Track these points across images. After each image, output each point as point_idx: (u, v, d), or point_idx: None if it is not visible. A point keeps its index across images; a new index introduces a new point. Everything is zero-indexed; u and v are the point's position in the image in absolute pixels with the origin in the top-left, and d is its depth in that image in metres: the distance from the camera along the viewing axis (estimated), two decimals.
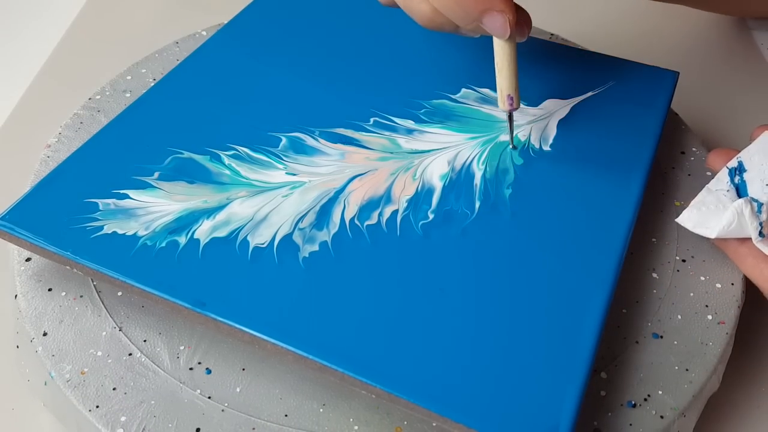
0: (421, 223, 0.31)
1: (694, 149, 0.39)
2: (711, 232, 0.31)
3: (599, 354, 0.29)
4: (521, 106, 0.37)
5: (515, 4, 0.31)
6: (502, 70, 0.32)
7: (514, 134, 0.35)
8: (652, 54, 0.45)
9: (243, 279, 0.29)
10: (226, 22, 0.42)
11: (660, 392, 0.28)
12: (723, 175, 0.32)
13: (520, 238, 0.31)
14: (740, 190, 0.32)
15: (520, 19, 0.33)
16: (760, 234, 0.30)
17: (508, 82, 0.33)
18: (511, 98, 0.33)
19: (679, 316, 0.31)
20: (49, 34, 0.53)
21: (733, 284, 0.32)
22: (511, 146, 0.35)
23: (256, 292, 0.28)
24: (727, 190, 0.32)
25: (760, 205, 0.30)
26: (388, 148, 0.35)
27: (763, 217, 0.30)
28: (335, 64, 0.39)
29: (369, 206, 0.32)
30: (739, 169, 0.32)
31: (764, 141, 0.32)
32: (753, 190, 0.31)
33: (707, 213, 0.31)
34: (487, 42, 0.42)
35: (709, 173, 0.37)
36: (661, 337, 0.30)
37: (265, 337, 0.27)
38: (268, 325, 0.27)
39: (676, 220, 0.32)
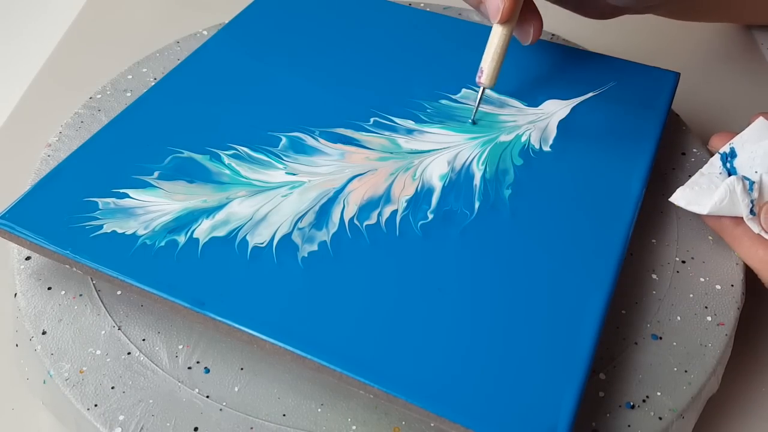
0: (420, 223, 0.31)
1: (694, 150, 0.39)
2: (703, 208, 0.32)
3: (598, 355, 0.29)
4: (522, 106, 0.37)
5: (536, 10, 0.36)
6: (488, 46, 0.35)
7: (476, 110, 0.36)
8: (653, 54, 0.45)
9: (242, 278, 0.29)
10: (226, 21, 0.42)
11: (659, 393, 0.28)
12: (716, 160, 0.33)
13: (520, 239, 0.31)
14: (731, 175, 0.32)
15: (528, 20, 0.36)
16: (751, 212, 0.31)
17: (484, 56, 0.35)
18: (481, 70, 0.35)
19: (679, 318, 0.31)
20: (49, 34, 0.53)
21: (732, 286, 0.32)
22: (470, 120, 0.36)
23: (255, 292, 0.28)
24: (719, 173, 0.32)
25: (752, 183, 0.31)
26: (387, 148, 0.35)
27: (755, 194, 0.31)
28: (335, 64, 0.39)
29: (368, 206, 0.32)
30: (731, 155, 0.32)
31: (756, 128, 0.33)
32: (741, 174, 0.32)
33: (700, 192, 0.32)
34: (486, 43, 0.42)
35: None
36: (660, 338, 0.30)
37: (263, 337, 0.27)
38: (267, 325, 0.27)
39: (669, 199, 0.33)
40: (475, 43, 0.41)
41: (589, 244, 0.31)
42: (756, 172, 0.32)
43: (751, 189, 0.31)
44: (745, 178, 0.31)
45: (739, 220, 0.32)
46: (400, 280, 0.29)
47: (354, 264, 0.29)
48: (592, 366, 0.27)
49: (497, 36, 0.35)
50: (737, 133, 0.33)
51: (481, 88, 0.36)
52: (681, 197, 0.33)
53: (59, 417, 0.29)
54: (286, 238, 0.30)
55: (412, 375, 0.26)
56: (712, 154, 0.34)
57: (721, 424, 0.32)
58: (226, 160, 0.33)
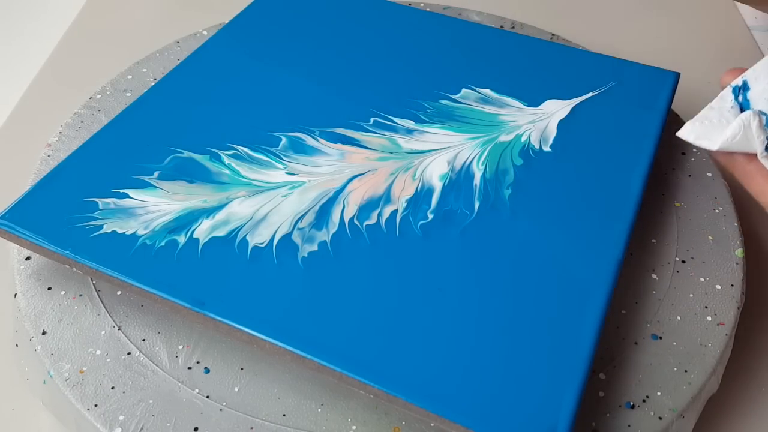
0: (420, 223, 0.31)
1: (694, 150, 0.38)
2: (713, 144, 0.29)
3: (598, 355, 0.29)
4: (522, 106, 0.37)
5: None
6: None
7: None
8: (653, 54, 0.45)
9: (242, 278, 0.29)
10: (226, 21, 0.42)
11: (659, 393, 0.28)
12: (727, 93, 0.31)
13: (520, 239, 0.31)
14: (743, 109, 0.30)
15: None
16: (766, 149, 0.28)
17: None
18: None
19: (679, 317, 0.31)
20: (49, 34, 0.53)
21: (732, 285, 0.32)
22: None
23: (255, 292, 0.28)
24: (731, 107, 0.30)
25: None
26: (387, 148, 0.35)
27: None
28: (335, 64, 0.39)
29: (368, 206, 0.32)
30: (743, 88, 0.30)
31: None
32: (757, 108, 0.30)
33: (710, 126, 0.30)
34: (487, 45, 0.42)
35: (709, 174, 0.37)
36: (660, 338, 0.30)
37: (263, 337, 0.27)
38: (267, 325, 0.27)
39: (677, 133, 0.31)
40: (475, 43, 0.41)
41: (590, 243, 0.31)
42: None
43: None
44: (762, 113, 0.29)
45: (751, 156, 0.29)
46: (401, 280, 0.29)
47: (354, 264, 0.29)
48: (592, 366, 0.27)
49: None
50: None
51: None
52: (690, 131, 0.30)
53: (59, 417, 0.29)
54: (286, 238, 0.30)
55: (412, 375, 0.26)
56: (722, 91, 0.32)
57: (721, 424, 0.32)
58: (226, 160, 0.33)
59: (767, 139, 0.28)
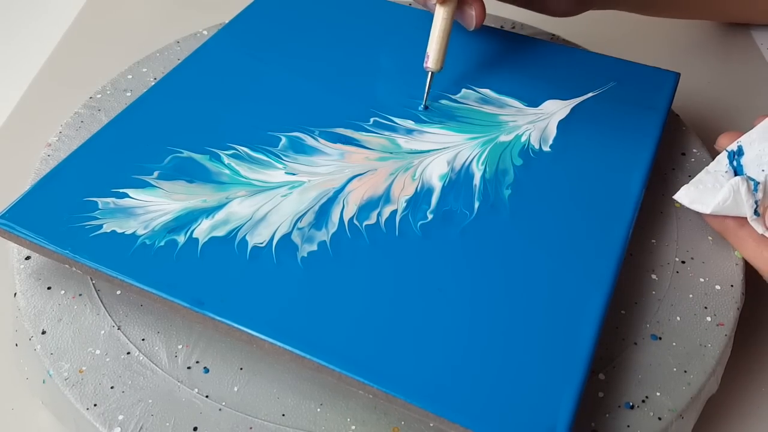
0: (419, 223, 0.31)
1: (694, 150, 0.39)
2: (706, 207, 0.31)
3: (597, 355, 0.29)
4: (522, 106, 0.37)
5: None
6: (431, 31, 0.36)
7: (426, 96, 0.37)
8: (653, 55, 0.45)
9: (241, 278, 0.29)
10: (226, 21, 0.42)
11: (658, 394, 0.28)
12: (722, 158, 0.33)
13: (519, 239, 0.31)
14: (737, 173, 0.32)
15: (468, 2, 0.36)
16: (755, 212, 0.30)
17: (429, 41, 0.36)
18: (427, 56, 0.36)
19: (678, 318, 0.31)
20: (49, 34, 0.53)
21: (732, 286, 0.32)
22: (422, 106, 0.37)
23: (255, 292, 0.28)
24: (725, 172, 0.32)
25: (757, 183, 0.30)
26: (387, 148, 0.35)
27: (759, 195, 0.30)
28: (335, 63, 0.39)
29: (368, 206, 0.32)
30: (738, 153, 0.32)
31: (764, 127, 0.32)
32: (749, 173, 0.32)
33: (704, 190, 0.32)
34: (487, 45, 0.42)
35: None
36: (660, 338, 0.30)
37: (262, 337, 0.27)
38: (266, 325, 0.27)
39: (674, 196, 0.33)
40: (475, 43, 0.41)
41: (589, 244, 0.31)
42: (763, 170, 0.31)
43: (756, 189, 0.30)
44: (750, 178, 0.31)
45: (742, 220, 0.31)
46: (400, 280, 0.29)
47: (353, 264, 0.29)
48: (591, 366, 0.27)
49: (438, 18, 0.36)
50: (744, 133, 0.33)
51: (430, 74, 0.36)
52: (685, 195, 0.32)
53: (59, 417, 0.29)
54: (286, 238, 0.30)
55: (411, 375, 0.26)
56: (718, 154, 0.34)
57: (721, 424, 0.32)
58: (226, 160, 0.33)
59: (756, 204, 0.30)
